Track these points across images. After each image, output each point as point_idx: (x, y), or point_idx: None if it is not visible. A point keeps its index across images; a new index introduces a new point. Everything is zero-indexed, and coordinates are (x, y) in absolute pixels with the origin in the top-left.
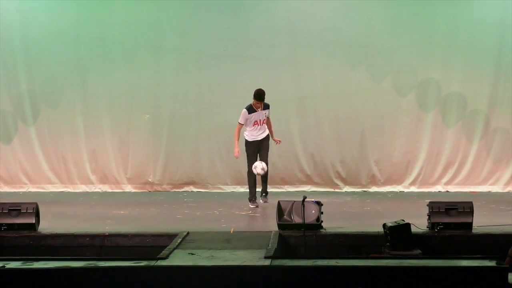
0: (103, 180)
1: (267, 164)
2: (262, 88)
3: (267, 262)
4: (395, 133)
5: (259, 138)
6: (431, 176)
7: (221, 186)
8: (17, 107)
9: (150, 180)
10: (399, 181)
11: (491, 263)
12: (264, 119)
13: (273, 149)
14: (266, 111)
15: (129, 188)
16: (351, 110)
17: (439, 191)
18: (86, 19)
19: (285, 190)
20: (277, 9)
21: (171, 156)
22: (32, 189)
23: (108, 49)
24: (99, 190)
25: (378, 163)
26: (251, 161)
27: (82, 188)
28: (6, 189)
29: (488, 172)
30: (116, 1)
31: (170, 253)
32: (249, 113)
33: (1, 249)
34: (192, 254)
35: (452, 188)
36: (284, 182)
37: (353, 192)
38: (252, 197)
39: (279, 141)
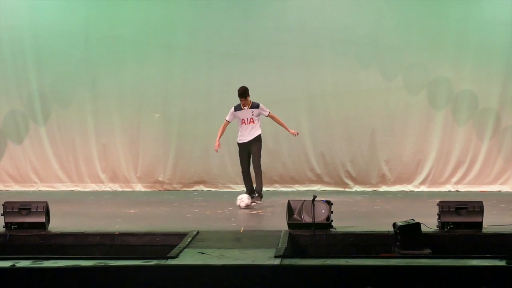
0: (113, 179)
1: (258, 166)
2: (246, 86)
3: (277, 261)
4: (405, 132)
5: (246, 140)
6: (441, 176)
7: (231, 185)
8: (28, 106)
9: (160, 179)
10: (409, 181)
11: (501, 263)
12: (251, 118)
13: (283, 148)
14: (254, 110)
15: (139, 187)
16: (361, 109)
17: (449, 191)
18: (96, 18)
19: (295, 189)
20: (287, 8)
21: (181, 155)
22: (43, 188)
23: (118, 48)
24: (109, 189)
25: (388, 162)
26: (242, 164)
27: (92, 187)
28: (17, 188)
29: (499, 172)
30: (126, 0)
31: (180, 252)
32: (235, 111)
33: (11, 248)
34: (202, 253)
35: (462, 188)
36: (294, 181)
37: (363, 192)
38: (247, 192)
39: (296, 133)
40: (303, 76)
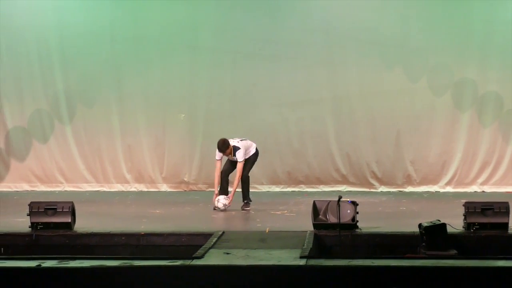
0: (139, 179)
1: (246, 177)
2: (224, 139)
3: (302, 262)
4: (431, 133)
5: None
6: (467, 176)
7: (256, 186)
8: (53, 106)
9: (185, 179)
10: (434, 181)
11: None
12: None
13: (309, 149)
14: (235, 158)
15: (164, 187)
16: (386, 110)
17: (475, 191)
18: (122, 19)
19: (321, 190)
20: (312, 8)
21: (207, 156)
22: (68, 188)
23: (143, 48)
24: (134, 189)
25: (414, 163)
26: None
27: (117, 187)
28: (42, 188)
29: None
30: (152, 1)
31: (206, 252)
32: (219, 151)
33: (37, 248)
34: (228, 253)
35: (488, 188)
36: (320, 182)
37: (388, 192)
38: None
39: (228, 203)
40: (328, 77)
